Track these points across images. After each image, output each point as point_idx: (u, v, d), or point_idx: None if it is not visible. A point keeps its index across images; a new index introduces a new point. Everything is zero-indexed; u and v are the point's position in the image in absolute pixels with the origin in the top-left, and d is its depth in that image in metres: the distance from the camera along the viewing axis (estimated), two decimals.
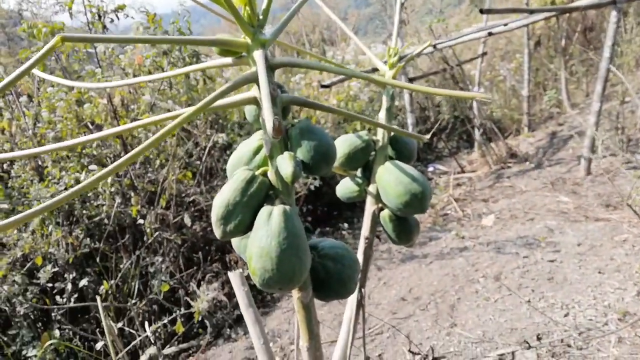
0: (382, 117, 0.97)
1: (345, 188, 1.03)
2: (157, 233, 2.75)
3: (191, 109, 0.60)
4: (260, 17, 0.68)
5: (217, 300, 2.34)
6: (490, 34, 3.97)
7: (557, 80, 8.28)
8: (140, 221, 2.69)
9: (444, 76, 5.99)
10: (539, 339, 1.45)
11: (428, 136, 0.89)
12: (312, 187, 3.51)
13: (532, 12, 3.48)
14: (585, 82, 8.20)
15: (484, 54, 5.87)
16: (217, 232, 0.69)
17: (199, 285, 2.47)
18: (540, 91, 8.50)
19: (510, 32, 8.01)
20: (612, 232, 2.38)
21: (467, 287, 2.19)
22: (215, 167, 3.39)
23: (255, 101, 0.71)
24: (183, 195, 3.02)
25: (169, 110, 3.11)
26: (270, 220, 0.65)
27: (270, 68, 0.68)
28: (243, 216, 0.68)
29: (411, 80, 4.57)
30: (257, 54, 0.67)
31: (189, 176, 2.93)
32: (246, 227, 0.68)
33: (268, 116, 0.54)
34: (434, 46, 4.23)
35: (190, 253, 2.98)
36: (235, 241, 0.78)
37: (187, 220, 2.90)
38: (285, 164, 0.65)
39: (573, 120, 6.66)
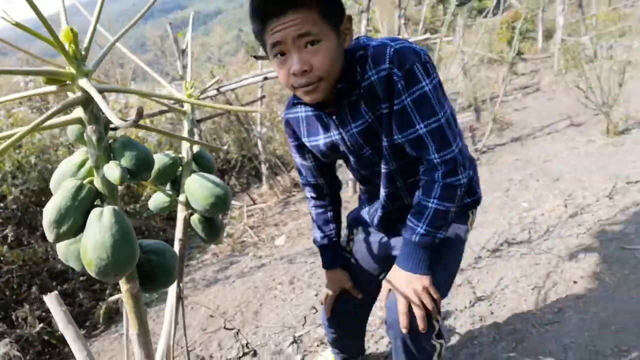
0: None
1: (157, 201, 1.18)
2: None
3: (25, 128, 0.72)
4: (83, 52, 0.84)
5: (10, 356, 2.12)
6: (265, 78, 4.48)
7: None
8: None
9: (229, 118, 6.39)
10: (318, 307, 1.77)
11: (225, 147, 1.13)
12: None
13: None
14: None
15: (263, 97, 6.47)
16: (51, 236, 0.78)
17: None
18: None
19: None
20: None
21: (267, 294, 2.48)
22: None
23: (80, 121, 0.85)
24: None
25: None
26: (102, 218, 0.78)
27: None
28: (75, 218, 0.79)
29: (199, 121, 4.80)
30: (83, 81, 0.82)
31: None
32: (78, 228, 0.79)
33: (111, 117, 0.71)
34: (218, 89, 4.56)
35: None
36: (62, 249, 0.87)
37: None
38: (112, 170, 0.80)
39: None
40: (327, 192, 1.46)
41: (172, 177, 1.16)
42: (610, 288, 2.01)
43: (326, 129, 1.25)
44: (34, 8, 0.74)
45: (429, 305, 1.16)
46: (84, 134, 0.84)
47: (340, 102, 1.17)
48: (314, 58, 1.06)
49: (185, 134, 1.17)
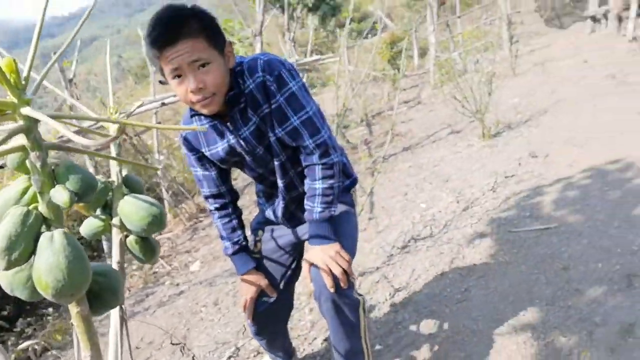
0: (113, 162, 1.18)
1: (90, 226, 1.17)
2: None
3: None
4: (24, 82, 0.86)
5: None
6: (163, 104, 4.42)
7: None
8: None
9: (124, 147, 6.15)
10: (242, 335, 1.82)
11: (160, 166, 1.18)
12: None
13: None
14: None
15: (159, 123, 6.33)
16: (2, 264, 0.78)
17: None
18: None
19: (178, 102, 8.78)
20: None
21: (192, 318, 2.46)
22: None
23: (23, 148, 0.86)
24: None
25: None
26: (53, 241, 0.79)
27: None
28: (26, 244, 0.80)
29: (99, 150, 4.59)
30: (27, 110, 0.83)
31: None
32: (29, 254, 0.80)
33: (75, 137, 0.75)
34: (119, 119, 4.40)
35: None
36: (7, 280, 0.86)
37: None
38: (60, 194, 0.82)
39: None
40: (228, 200, 1.60)
41: (104, 202, 1.17)
42: (504, 266, 2.31)
43: (222, 136, 1.44)
44: None
45: (344, 264, 1.40)
46: (27, 161, 0.85)
47: (232, 110, 1.37)
48: (207, 77, 1.25)
49: (112, 154, 1.20)
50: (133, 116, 5.17)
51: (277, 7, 11.96)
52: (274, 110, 1.36)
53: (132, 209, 1.11)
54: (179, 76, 1.25)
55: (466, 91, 4.95)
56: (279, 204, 1.57)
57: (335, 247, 1.41)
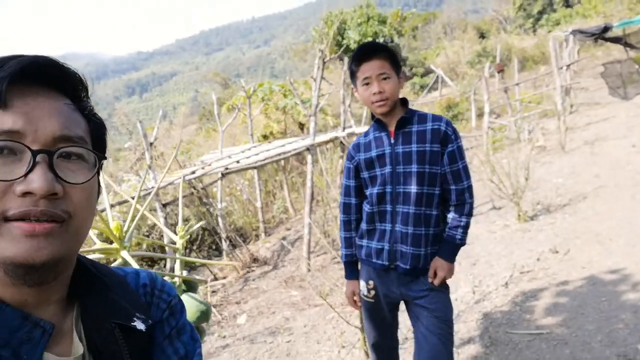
0: (177, 267, 1.68)
1: None
2: None
3: None
4: (125, 234, 1.37)
5: None
6: (226, 168, 5.05)
7: (283, 189, 10.10)
8: None
9: (192, 198, 6.89)
10: None
11: (209, 280, 1.66)
12: None
13: None
14: (303, 192, 10.22)
15: (223, 175, 7.02)
16: None
17: None
18: (271, 199, 10.17)
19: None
20: (325, 314, 3.50)
21: None
22: None
23: None
24: None
25: None
26: None
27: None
28: None
29: (165, 205, 5.27)
30: (124, 253, 1.35)
31: None
32: None
33: None
34: (184, 179, 5.08)
35: None
36: None
37: None
38: None
39: (298, 224, 8.30)
40: (354, 217, 2.01)
41: None
42: None
43: (381, 145, 1.89)
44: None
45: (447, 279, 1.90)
46: None
47: (399, 129, 1.85)
48: (386, 86, 1.81)
49: (177, 264, 1.70)
50: (203, 170, 5.80)
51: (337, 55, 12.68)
52: (447, 153, 1.83)
53: (186, 305, 1.59)
54: (367, 84, 1.82)
55: (502, 175, 5.10)
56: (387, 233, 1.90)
57: (452, 268, 1.88)
